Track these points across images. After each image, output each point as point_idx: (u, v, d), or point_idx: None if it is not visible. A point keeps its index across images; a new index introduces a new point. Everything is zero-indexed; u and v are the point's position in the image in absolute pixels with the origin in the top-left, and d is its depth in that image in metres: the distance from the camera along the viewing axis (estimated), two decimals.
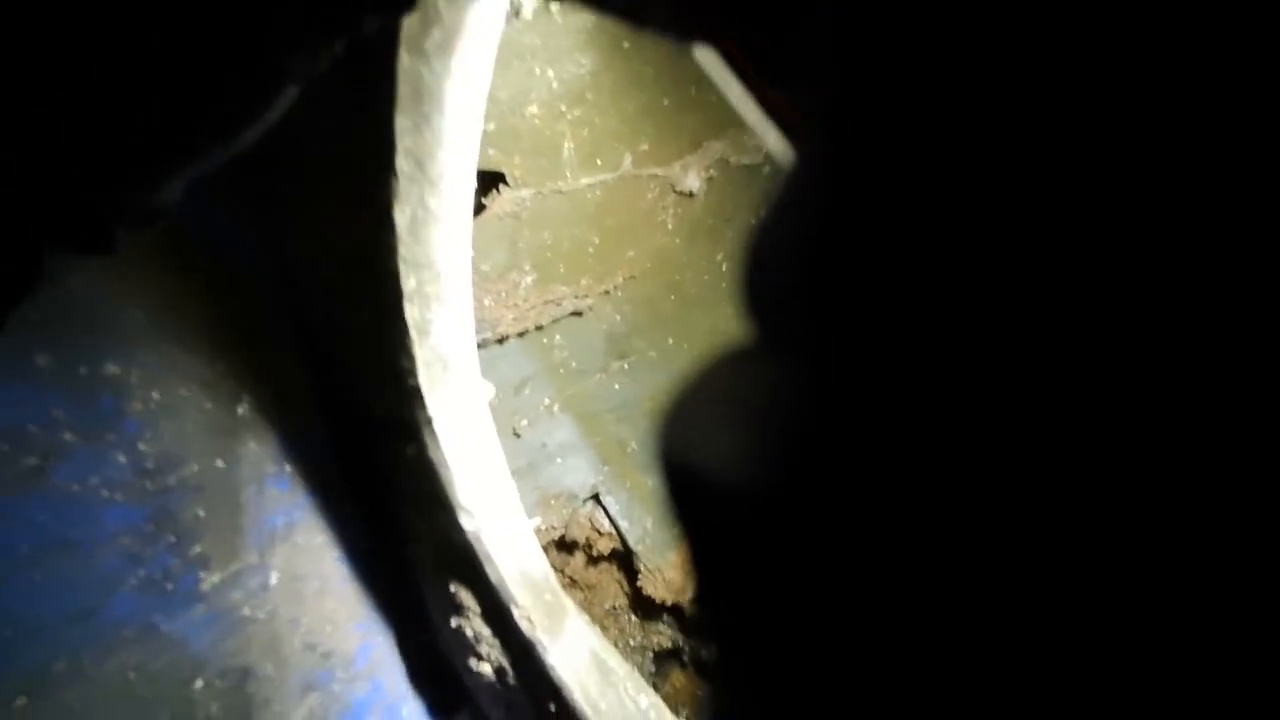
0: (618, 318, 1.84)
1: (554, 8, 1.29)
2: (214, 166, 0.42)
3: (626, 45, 1.52)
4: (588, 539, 1.75)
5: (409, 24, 0.53)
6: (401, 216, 0.63)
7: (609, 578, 1.81)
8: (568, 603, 0.92)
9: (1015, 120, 0.14)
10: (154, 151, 0.40)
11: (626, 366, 1.88)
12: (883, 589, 0.16)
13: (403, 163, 0.60)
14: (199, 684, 0.77)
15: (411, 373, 0.74)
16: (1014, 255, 0.14)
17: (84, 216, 0.41)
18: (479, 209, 1.55)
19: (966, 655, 0.15)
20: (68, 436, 0.65)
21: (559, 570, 1.64)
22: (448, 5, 0.55)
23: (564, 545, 1.71)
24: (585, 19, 1.37)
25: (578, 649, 0.88)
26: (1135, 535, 0.13)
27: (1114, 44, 0.13)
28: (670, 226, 1.93)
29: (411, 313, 0.70)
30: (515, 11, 1.21)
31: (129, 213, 0.42)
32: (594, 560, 1.79)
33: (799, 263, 0.18)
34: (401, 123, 0.57)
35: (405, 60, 0.54)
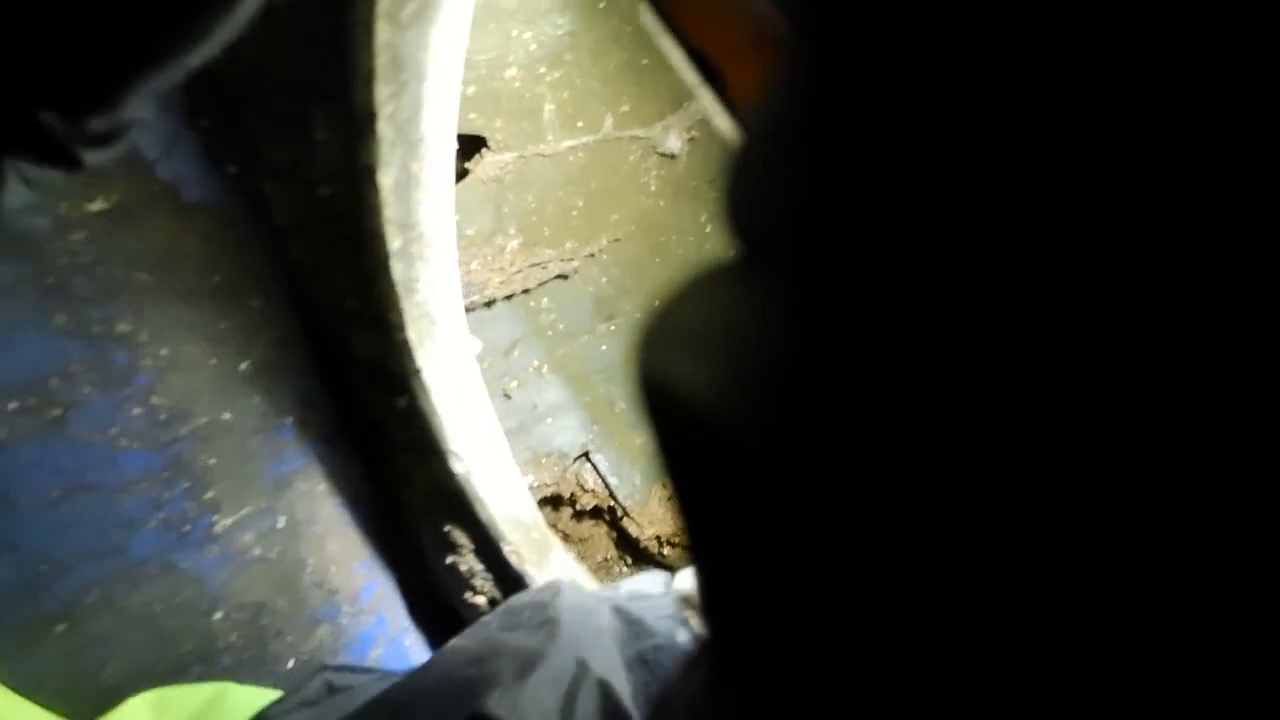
0: (604, 280, 1.87)
1: None
2: (179, 78, 0.40)
3: (603, 5, 1.53)
4: (575, 494, 1.81)
5: None
6: (385, 179, 0.68)
7: (600, 531, 1.88)
8: (553, 540, 1.00)
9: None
10: (113, 61, 0.38)
11: (613, 328, 1.92)
12: (873, 546, 0.15)
13: (384, 128, 0.64)
14: (218, 615, 0.85)
15: (400, 327, 0.79)
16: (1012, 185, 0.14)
17: (45, 135, 0.39)
18: (462, 173, 1.57)
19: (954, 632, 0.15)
20: (86, 390, 0.71)
21: (551, 525, 1.72)
22: None
23: (555, 501, 1.77)
24: None
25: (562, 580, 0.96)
26: (1134, 534, 0.13)
27: (1111, 41, 0.13)
28: (653, 188, 1.95)
29: (398, 270, 0.75)
30: None
31: (93, 129, 0.40)
32: (585, 515, 1.86)
33: (786, 176, 0.18)
34: (381, 91, 0.61)
35: (384, 32, 0.58)
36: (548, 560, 0.97)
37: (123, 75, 0.39)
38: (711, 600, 0.20)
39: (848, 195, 0.16)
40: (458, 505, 0.92)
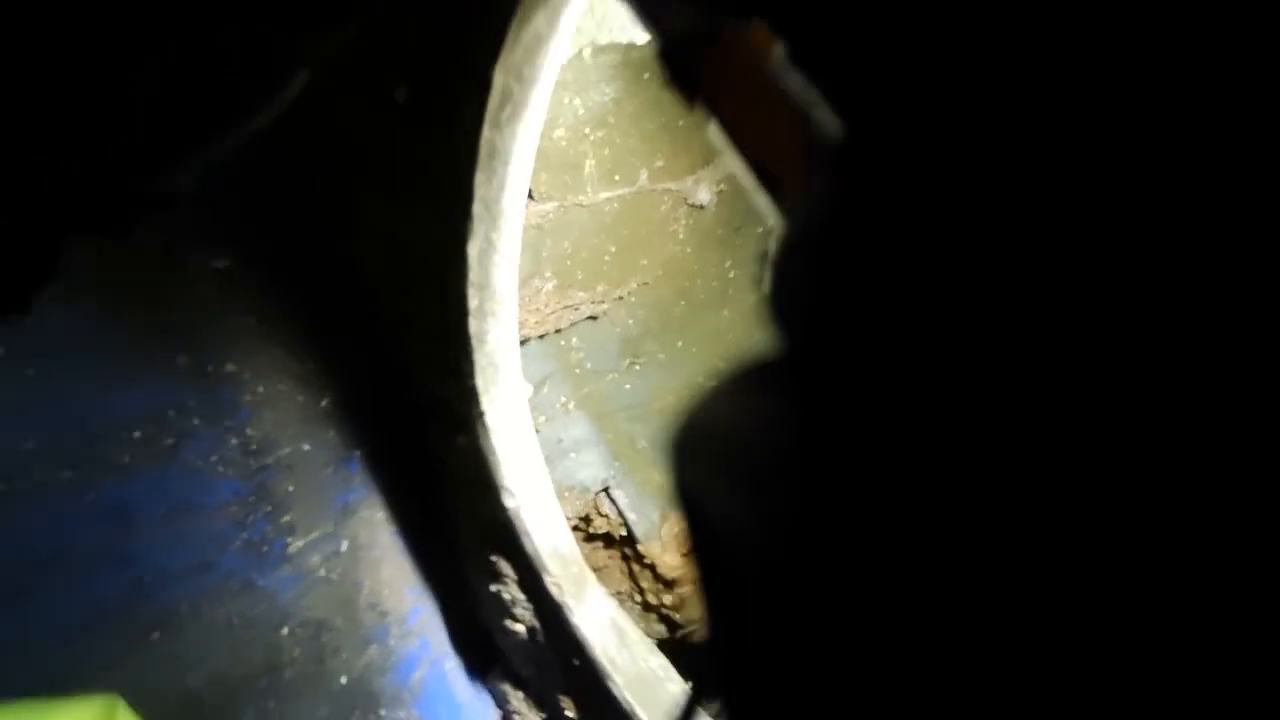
0: (631, 321, 1.95)
1: (585, 53, 1.43)
2: (228, 151, 0.42)
3: (647, 75, 1.65)
4: (595, 527, 1.86)
5: (491, 102, 0.67)
6: (472, 249, 0.78)
7: (616, 563, 1.93)
8: (590, 576, 1.07)
9: (1021, 136, 0.14)
10: (163, 138, 0.40)
11: (638, 367, 1.99)
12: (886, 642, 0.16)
13: (477, 208, 0.74)
14: (285, 631, 0.92)
15: (470, 374, 0.88)
16: (1027, 278, 0.14)
17: (101, 204, 0.41)
18: None
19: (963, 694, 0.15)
20: (196, 421, 0.80)
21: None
22: (518, 86, 0.69)
23: (576, 532, 1.82)
24: (612, 57, 1.51)
25: (599, 614, 1.03)
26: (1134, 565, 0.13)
27: (1111, 49, 0.13)
28: (682, 236, 2.05)
29: (474, 326, 0.84)
30: None
31: (142, 199, 0.42)
32: (603, 546, 1.91)
33: (819, 287, 0.18)
34: (479, 177, 0.71)
35: (487, 133, 0.68)
36: (584, 594, 1.04)
37: (177, 150, 0.42)
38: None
39: (870, 310, 0.16)
40: (506, 537, 1.00)
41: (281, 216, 0.82)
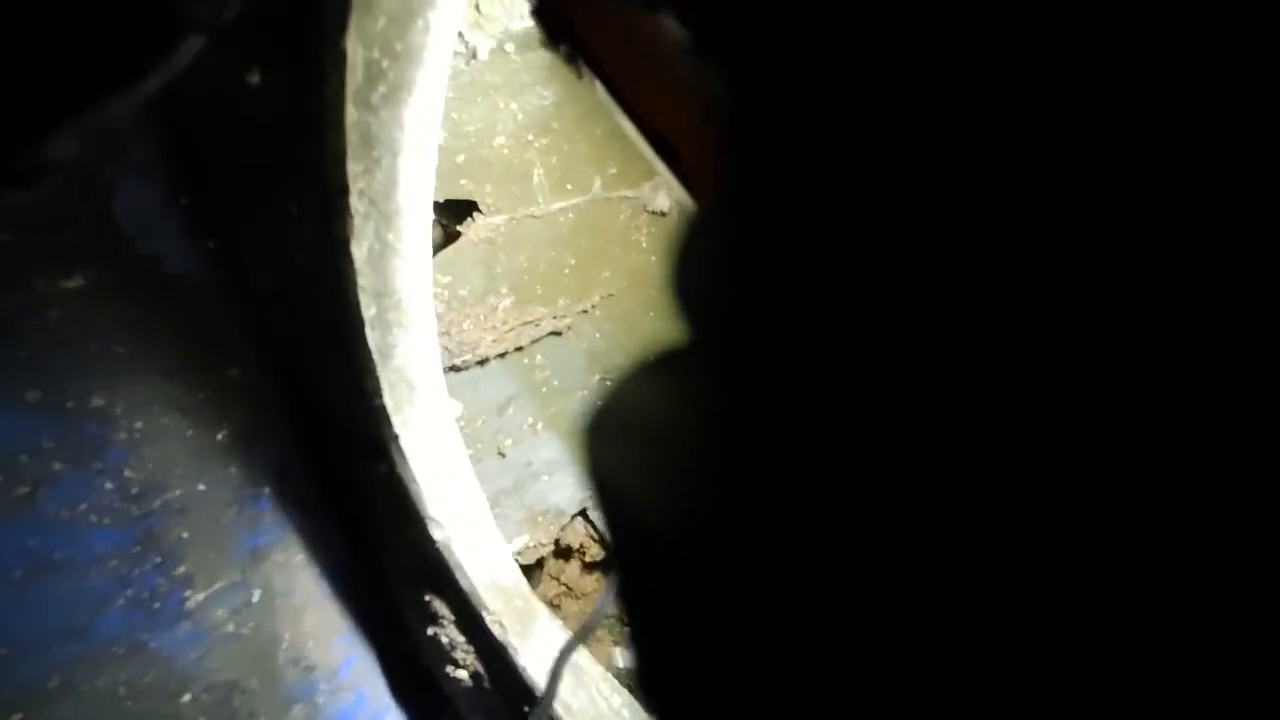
0: (597, 335, 1.88)
1: (509, 48, 1.36)
2: (114, 120, 0.41)
3: (583, 78, 1.60)
4: (581, 545, 1.78)
5: (351, 78, 0.59)
6: (359, 250, 0.69)
7: (600, 586, 1.84)
8: (539, 607, 0.97)
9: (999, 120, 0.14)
10: (41, 106, 0.38)
11: (608, 383, 1.92)
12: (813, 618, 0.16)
13: (357, 203, 0.66)
14: (187, 698, 0.82)
15: (377, 393, 0.79)
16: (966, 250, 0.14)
17: None
18: (454, 236, 1.61)
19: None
20: (56, 465, 0.70)
21: (554, 578, 1.68)
22: (390, 62, 0.61)
23: (559, 553, 1.74)
24: (542, 56, 1.45)
25: (549, 651, 0.93)
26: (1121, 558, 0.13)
27: (1107, 45, 0.13)
28: (644, 245, 1.99)
29: (374, 338, 0.76)
30: (472, 54, 1.29)
31: (16, 170, 0.41)
32: (587, 568, 1.83)
33: (726, 264, 0.18)
34: (353, 167, 0.63)
35: (353, 113, 0.60)
36: (532, 630, 0.94)
37: (50, 117, 0.39)
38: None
39: (777, 278, 0.16)
40: (437, 574, 0.90)
41: (146, 228, 0.73)
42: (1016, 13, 0.14)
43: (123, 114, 0.41)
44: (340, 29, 0.55)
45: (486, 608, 0.90)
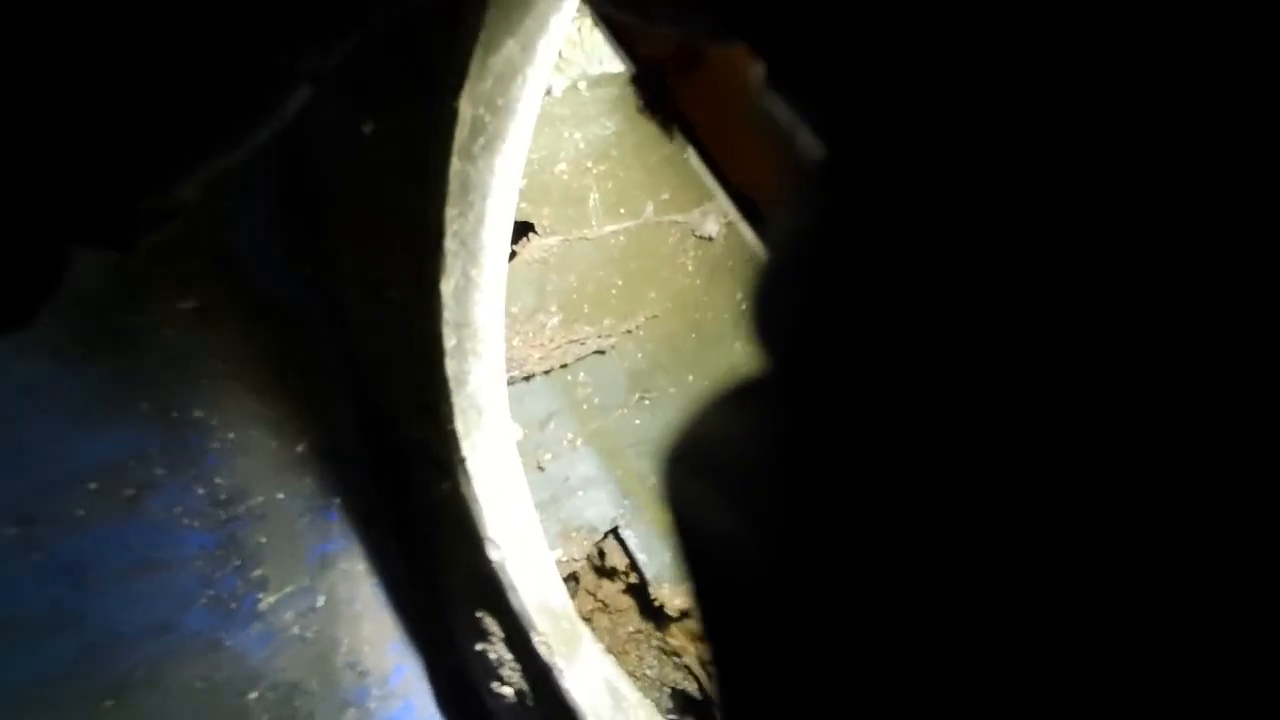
0: (639, 355, 1.91)
1: (581, 85, 1.41)
2: (228, 167, 0.43)
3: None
4: (613, 566, 1.81)
5: (459, 133, 0.64)
6: (446, 286, 0.74)
7: (631, 605, 1.86)
8: (584, 630, 0.99)
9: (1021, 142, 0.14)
10: (167, 154, 0.41)
11: (648, 402, 1.95)
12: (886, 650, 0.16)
13: (450, 243, 0.70)
14: (253, 695, 0.86)
15: (449, 418, 0.83)
16: (1025, 283, 0.14)
17: (102, 217, 0.42)
18: (510, 256, 1.66)
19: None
20: (159, 471, 0.76)
21: (591, 594, 1.71)
22: (491, 117, 0.66)
23: (602, 572, 1.77)
24: (610, 91, 1.50)
25: (592, 675, 0.95)
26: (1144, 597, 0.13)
27: (1112, 49, 0.13)
28: (690, 268, 2.01)
29: (451, 366, 0.80)
30: (547, 90, 1.34)
31: (145, 213, 0.43)
32: (617, 586, 1.85)
33: (809, 298, 0.18)
34: (450, 212, 0.68)
35: (456, 164, 0.65)
36: (578, 652, 0.96)
37: (177, 165, 0.42)
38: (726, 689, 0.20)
39: (862, 319, 0.16)
40: (491, 592, 0.93)
41: (254, 255, 0.79)
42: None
43: (239, 160, 0.43)
44: (456, 90, 0.59)
45: (535, 628, 0.93)
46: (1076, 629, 0.14)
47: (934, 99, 0.16)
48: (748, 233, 2.02)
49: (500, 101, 0.66)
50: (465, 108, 0.61)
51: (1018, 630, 0.14)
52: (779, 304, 0.21)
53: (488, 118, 0.64)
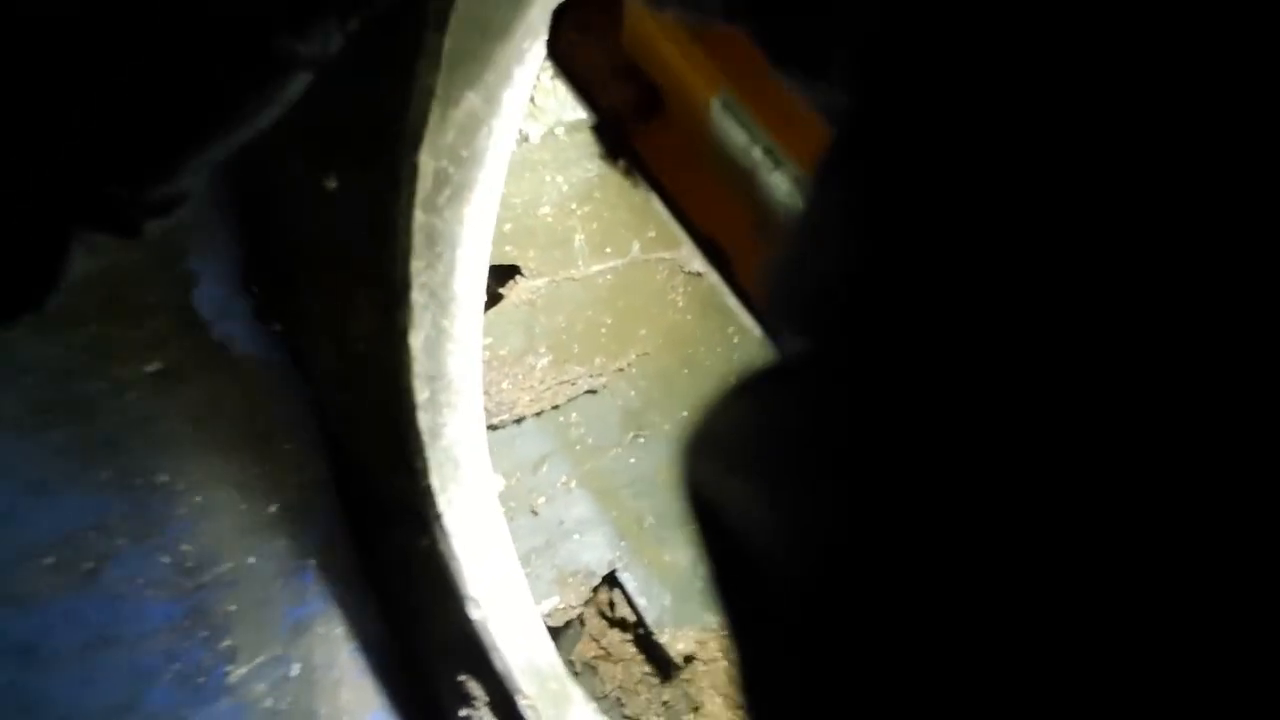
0: (632, 393, 1.89)
1: (559, 130, 1.42)
2: (230, 152, 0.43)
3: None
4: (621, 616, 1.77)
5: (422, 186, 0.63)
6: (416, 339, 0.72)
7: (630, 649, 1.81)
8: (574, 691, 0.95)
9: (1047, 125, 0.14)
10: (171, 141, 0.41)
11: (642, 440, 1.92)
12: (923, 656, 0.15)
13: (418, 296, 0.69)
14: None
15: (424, 473, 0.81)
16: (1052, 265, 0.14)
17: (108, 205, 0.42)
18: (496, 299, 1.65)
19: None
20: (120, 541, 0.73)
21: (595, 640, 1.66)
22: (456, 169, 0.65)
23: (611, 622, 1.73)
24: (587, 135, 1.51)
25: None
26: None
27: (1116, 46, 0.13)
28: (681, 304, 2.01)
29: (424, 420, 0.78)
30: (524, 138, 1.35)
31: (151, 200, 0.43)
32: (619, 632, 1.80)
33: (831, 278, 0.18)
34: (416, 265, 0.67)
35: (420, 217, 0.64)
36: (567, 715, 0.91)
37: (180, 151, 0.42)
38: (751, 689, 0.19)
39: (895, 276, 0.15)
40: (474, 654, 0.89)
41: (221, 314, 0.77)
42: None
43: (241, 144, 0.43)
44: (415, 145, 0.59)
45: (521, 691, 0.89)
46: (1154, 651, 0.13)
47: (943, 74, 0.16)
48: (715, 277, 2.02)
49: (465, 153, 0.65)
50: (427, 161, 0.60)
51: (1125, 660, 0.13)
52: (807, 282, 0.19)
53: (452, 169, 0.64)
